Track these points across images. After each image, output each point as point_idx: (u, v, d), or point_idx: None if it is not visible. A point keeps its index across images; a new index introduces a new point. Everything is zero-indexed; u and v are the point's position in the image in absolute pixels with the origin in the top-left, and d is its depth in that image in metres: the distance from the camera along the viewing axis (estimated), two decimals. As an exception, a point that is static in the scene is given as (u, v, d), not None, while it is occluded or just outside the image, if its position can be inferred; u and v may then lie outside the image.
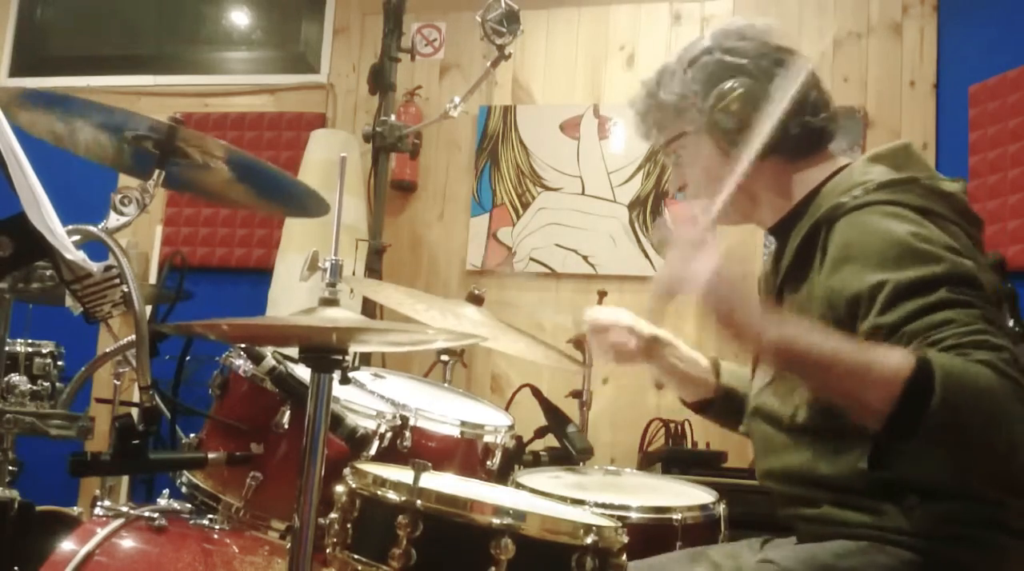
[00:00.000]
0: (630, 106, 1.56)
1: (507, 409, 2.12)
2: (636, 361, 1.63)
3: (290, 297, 3.32)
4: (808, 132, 1.42)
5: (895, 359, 1.07)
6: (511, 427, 1.83)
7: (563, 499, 1.62)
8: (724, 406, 1.69)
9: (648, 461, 2.85)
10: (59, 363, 2.48)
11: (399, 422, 1.59)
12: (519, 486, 1.69)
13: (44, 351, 2.45)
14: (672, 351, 1.66)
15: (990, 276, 1.26)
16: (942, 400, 1.02)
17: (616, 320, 1.63)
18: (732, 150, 1.41)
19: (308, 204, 1.66)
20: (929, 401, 1.03)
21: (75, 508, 2.65)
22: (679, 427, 2.95)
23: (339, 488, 1.22)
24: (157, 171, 1.49)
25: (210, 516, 1.60)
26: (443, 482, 1.30)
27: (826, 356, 1.12)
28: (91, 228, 1.37)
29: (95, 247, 1.35)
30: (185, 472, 1.66)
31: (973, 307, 1.13)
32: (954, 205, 1.29)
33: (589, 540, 1.14)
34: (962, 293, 1.14)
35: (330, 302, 1.28)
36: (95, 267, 1.29)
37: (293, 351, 1.37)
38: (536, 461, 2.05)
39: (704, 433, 2.96)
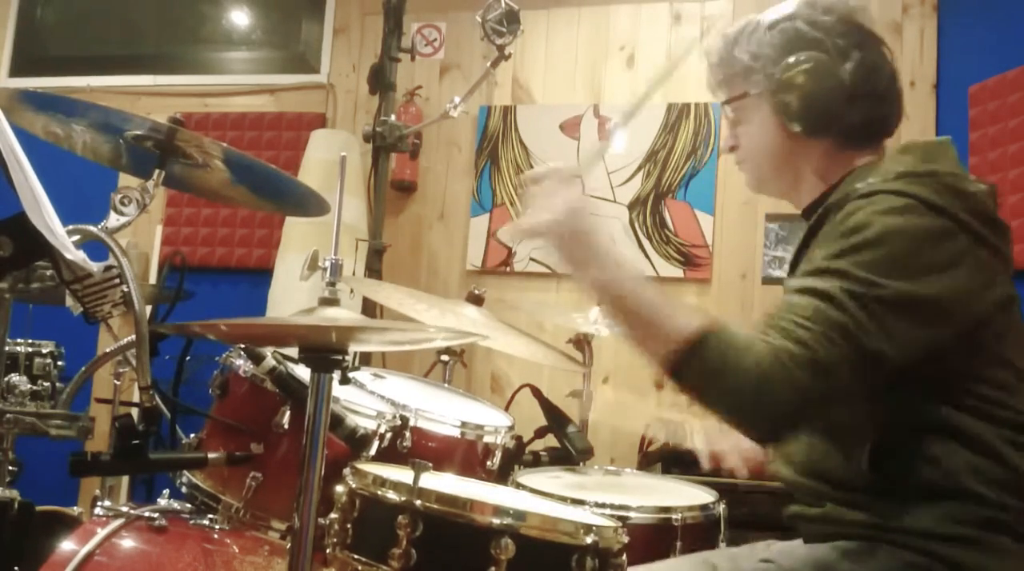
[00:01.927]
0: (705, 55, 1.52)
1: (507, 409, 2.12)
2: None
3: (290, 297, 3.32)
4: (869, 119, 1.40)
5: (685, 321, 1.19)
6: (511, 427, 1.83)
7: (563, 499, 1.62)
8: None
9: (648, 461, 2.85)
10: (59, 363, 2.48)
11: (399, 422, 1.59)
12: (519, 486, 1.69)
13: (44, 351, 2.45)
14: None
15: (994, 291, 1.24)
16: (703, 363, 1.17)
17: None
18: (788, 123, 1.40)
19: (307, 204, 1.66)
20: (692, 361, 1.17)
21: (75, 508, 2.65)
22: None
23: (339, 488, 1.23)
24: (157, 171, 1.49)
25: (210, 516, 1.60)
26: (443, 482, 1.30)
27: (635, 302, 1.24)
28: (91, 228, 1.37)
29: (95, 247, 1.35)
30: (185, 472, 1.66)
31: (842, 310, 1.16)
32: (972, 206, 1.26)
33: (589, 540, 1.14)
34: (850, 295, 1.16)
35: (330, 302, 1.28)
36: (95, 267, 1.29)
37: (293, 351, 1.37)
38: (536, 461, 2.05)
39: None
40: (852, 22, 1.41)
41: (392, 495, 1.15)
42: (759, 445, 1.30)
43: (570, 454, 2.08)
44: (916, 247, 1.21)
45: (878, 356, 1.16)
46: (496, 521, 1.11)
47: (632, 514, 1.65)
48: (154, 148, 1.49)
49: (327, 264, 1.31)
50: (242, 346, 1.64)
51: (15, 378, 2.22)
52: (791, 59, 1.38)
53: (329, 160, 3.51)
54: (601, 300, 1.31)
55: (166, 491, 1.67)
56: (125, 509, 1.58)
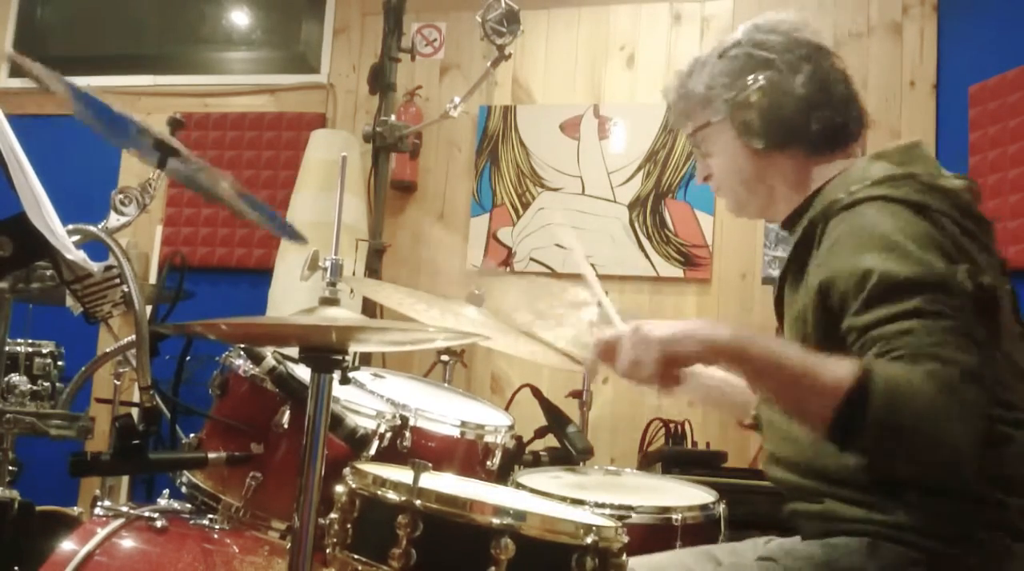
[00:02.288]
0: (663, 95, 1.58)
1: (507, 409, 2.12)
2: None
3: (290, 297, 3.32)
4: (829, 127, 1.43)
5: (840, 370, 1.11)
6: (511, 427, 1.83)
7: (563, 499, 1.62)
8: None
9: (648, 461, 2.85)
10: (59, 363, 2.47)
11: (399, 422, 1.59)
12: (519, 486, 1.69)
13: (44, 351, 2.45)
14: (698, 377, 1.57)
15: (989, 277, 1.25)
16: (878, 411, 1.08)
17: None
18: (752, 141, 1.44)
19: (290, 233, 1.66)
20: (867, 412, 1.09)
21: (75, 508, 2.65)
22: (679, 427, 2.95)
23: (339, 488, 1.22)
24: (157, 172, 1.49)
25: (210, 516, 1.60)
26: (443, 482, 1.30)
27: (775, 361, 1.17)
28: (91, 228, 1.37)
29: (95, 247, 1.35)
30: (185, 472, 1.66)
31: (941, 317, 1.14)
32: (955, 202, 1.28)
33: (589, 540, 1.14)
34: (934, 302, 1.15)
35: (330, 301, 1.28)
36: (95, 267, 1.29)
37: (293, 351, 1.37)
38: (536, 461, 2.05)
39: (704, 433, 2.96)
40: (797, 38, 1.45)
41: (392, 495, 1.15)
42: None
43: (570, 454, 2.08)
44: (923, 240, 1.21)
45: (983, 344, 1.15)
46: (496, 521, 1.11)
47: (632, 514, 1.65)
48: (155, 148, 1.49)
49: (327, 264, 1.31)
50: (242, 346, 1.64)
51: (15, 378, 2.22)
52: (746, 80, 1.43)
53: (329, 160, 3.51)
54: (743, 372, 1.23)
55: (166, 491, 1.68)
56: (125, 509, 1.58)
